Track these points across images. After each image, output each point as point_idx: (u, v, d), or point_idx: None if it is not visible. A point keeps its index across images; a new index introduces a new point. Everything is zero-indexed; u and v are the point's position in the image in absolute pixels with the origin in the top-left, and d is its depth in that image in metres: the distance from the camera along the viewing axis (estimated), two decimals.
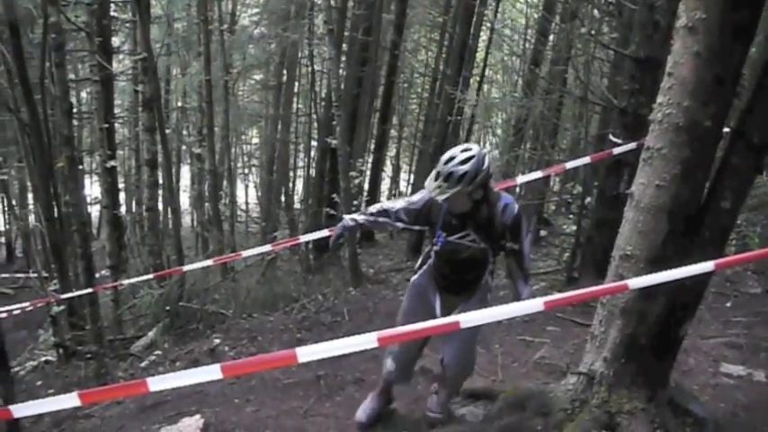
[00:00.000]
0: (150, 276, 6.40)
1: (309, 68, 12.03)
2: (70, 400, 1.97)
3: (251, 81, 16.89)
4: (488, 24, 13.08)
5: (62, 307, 6.31)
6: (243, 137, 18.27)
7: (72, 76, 11.38)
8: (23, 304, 5.28)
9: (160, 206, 10.22)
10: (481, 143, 21.30)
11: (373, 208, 2.97)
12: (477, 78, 13.63)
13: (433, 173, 2.62)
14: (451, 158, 2.57)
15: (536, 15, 12.45)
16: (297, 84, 14.62)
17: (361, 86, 10.75)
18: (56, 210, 6.75)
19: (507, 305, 2.17)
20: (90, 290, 5.88)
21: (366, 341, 2.00)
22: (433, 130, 11.77)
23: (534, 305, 2.06)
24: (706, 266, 2.01)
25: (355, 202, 8.27)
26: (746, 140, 2.42)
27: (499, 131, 15.63)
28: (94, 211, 15.26)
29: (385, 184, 17.40)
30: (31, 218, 12.32)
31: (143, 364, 5.97)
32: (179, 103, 14.33)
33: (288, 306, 7.04)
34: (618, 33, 6.26)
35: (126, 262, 9.50)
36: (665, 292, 2.52)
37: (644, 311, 2.59)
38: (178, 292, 6.85)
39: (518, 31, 14.70)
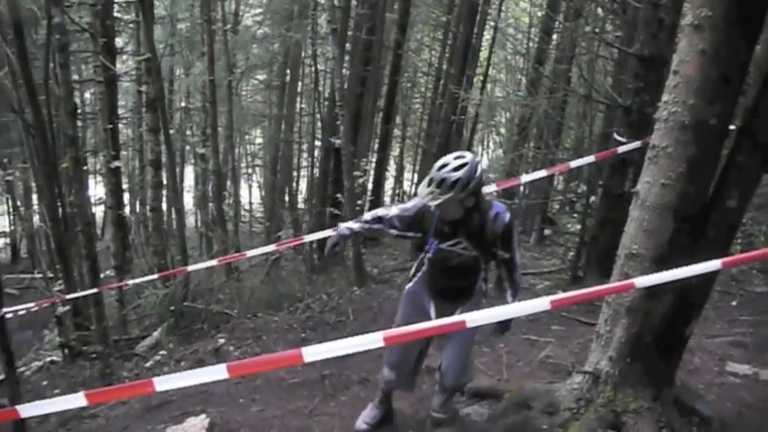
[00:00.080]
0: (155, 276, 6.39)
1: (313, 68, 11.98)
2: (77, 400, 1.97)
3: (254, 81, 16.90)
4: (492, 23, 13.05)
5: (67, 307, 6.35)
6: (246, 137, 18.33)
7: (76, 76, 11.37)
8: (29, 305, 5.29)
9: (164, 206, 10.22)
10: (485, 142, 21.32)
11: (368, 215, 3.03)
12: (481, 77, 13.61)
13: (427, 179, 2.66)
14: (444, 165, 2.60)
15: (540, 14, 12.42)
16: (300, 83, 14.61)
17: (364, 86, 10.74)
18: (60, 210, 6.76)
19: (513, 304, 2.17)
20: (95, 290, 5.88)
21: (371, 341, 2.00)
22: (437, 129, 11.77)
23: (540, 304, 2.06)
24: (713, 265, 1.99)
25: (359, 202, 8.24)
26: (752, 139, 2.42)
27: (503, 130, 15.64)
28: (99, 211, 15.33)
29: (389, 184, 17.36)
30: (36, 218, 12.36)
31: (148, 364, 5.98)
32: (182, 104, 14.33)
33: (292, 306, 7.03)
34: (622, 31, 6.26)
35: (130, 262, 9.55)
36: (671, 291, 2.51)
37: (649, 310, 2.58)
38: (183, 292, 6.87)
39: (522, 29, 14.68)
